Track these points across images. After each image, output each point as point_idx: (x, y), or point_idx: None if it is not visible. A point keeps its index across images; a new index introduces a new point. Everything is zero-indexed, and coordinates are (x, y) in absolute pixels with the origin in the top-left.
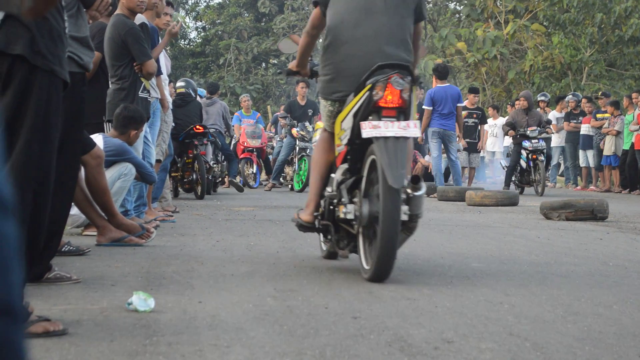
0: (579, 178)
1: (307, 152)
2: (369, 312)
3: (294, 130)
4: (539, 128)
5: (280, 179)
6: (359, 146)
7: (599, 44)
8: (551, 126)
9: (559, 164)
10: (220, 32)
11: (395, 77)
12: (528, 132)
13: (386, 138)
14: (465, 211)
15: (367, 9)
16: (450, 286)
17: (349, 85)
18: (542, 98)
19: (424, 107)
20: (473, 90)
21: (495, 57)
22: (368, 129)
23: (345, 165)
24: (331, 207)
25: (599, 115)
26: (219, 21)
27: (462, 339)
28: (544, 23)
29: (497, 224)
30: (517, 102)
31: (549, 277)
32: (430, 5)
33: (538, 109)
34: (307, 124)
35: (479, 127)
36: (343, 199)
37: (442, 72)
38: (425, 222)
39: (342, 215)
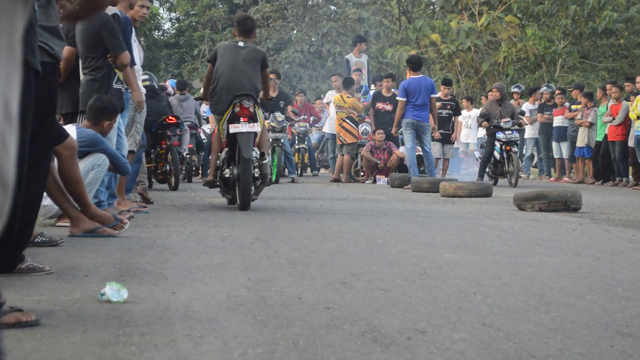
0: (552, 169)
1: (281, 142)
2: (342, 303)
3: (266, 122)
4: (512, 120)
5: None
6: (231, 137)
7: (573, 35)
8: (524, 118)
9: (532, 156)
10: (194, 23)
11: (244, 100)
12: (501, 123)
13: (242, 132)
14: (439, 202)
15: (234, 64)
16: (424, 277)
17: (224, 105)
18: (516, 90)
19: (397, 98)
20: (446, 82)
21: (469, 48)
22: (233, 128)
23: (227, 149)
24: (221, 171)
25: (573, 107)
26: (193, 12)
27: (435, 329)
28: (518, 15)
29: (471, 215)
30: (490, 94)
31: (522, 267)
32: None
33: (512, 101)
34: (277, 114)
35: (453, 118)
36: (225, 167)
37: (415, 64)
38: (399, 214)
39: (225, 175)
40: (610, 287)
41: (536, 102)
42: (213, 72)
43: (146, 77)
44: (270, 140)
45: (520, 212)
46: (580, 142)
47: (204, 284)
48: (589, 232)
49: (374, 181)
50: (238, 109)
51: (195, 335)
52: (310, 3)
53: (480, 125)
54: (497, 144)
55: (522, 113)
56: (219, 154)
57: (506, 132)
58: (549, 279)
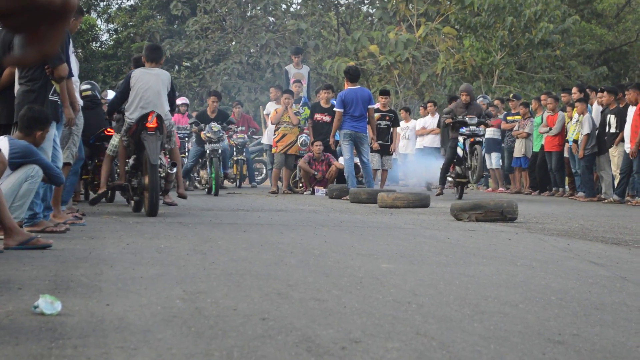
0: (489, 180)
1: (218, 153)
2: (278, 313)
3: (202, 134)
4: (478, 118)
5: (196, 183)
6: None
7: (510, 47)
8: (490, 121)
9: None
10: (132, 35)
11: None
12: (467, 119)
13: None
14: (377, 213)
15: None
16: (360, 287)
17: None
18: None
19: (335, 109)
20: (383, 92)
21: (407, 60)
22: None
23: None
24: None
25: (509, 118)
26: (131, 23)
27: (370, 339)
28: (456, 26)
29: (408, 225)
30: (462, 96)
31: (458, 277)
32: (343, 8)
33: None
34: (213, 124)
35: (392, 129)
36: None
37: (353, 75)
38: (337, 224)
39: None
40: (544, 295)
41: None
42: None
43: (88, 86)
44: (208, 151)
45: (457, 222)
46: (517, 152)
47: (139, 296)
48: (525, 241)
49: (313, 192)
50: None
51: (129, 347)
52: (248, 14)
53: (444, 123)
54: (461, 139)
55: (489, 115)
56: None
57: (471, 127)
58: (483, 288)
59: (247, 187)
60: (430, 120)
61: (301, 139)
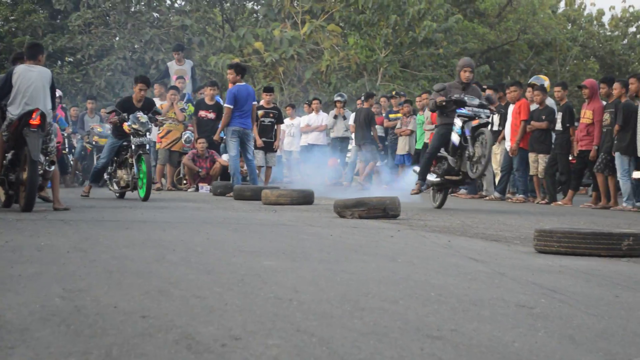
0: (374, 177)
1: (147, 149)
2: (158, 311)
3: (125, 125)
4: (480, 100)
5: (113, 184)
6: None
7: (394, 45)
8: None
9: (355, 163)
10: (14, 29)
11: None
12: (466, 98)
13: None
14: (260, 210)
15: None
16: (241, 284)
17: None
18: (339, 98)
19: (225, 105)
20: (268, 89)
21: (292, 57)
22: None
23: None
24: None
25: (391, 116)
26: (12, 17)
27: (250, 336)
28: (340, 24)
29: (291, 222)
30: (462, 73)
31: (339, 274)
32: (228, 4)
33: (334, 109)
34: (139, 114)
35: (276, 126)
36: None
37: (242, 70)
38: (220, 221)
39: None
40: (423, 291)
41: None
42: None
43: None
44: (134, 146)
45: (340, 219)
46: (401, 149)
47: (16, 294)
48: (406, 238)
49: (197, 189)
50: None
51: (6, 346)
52: (132, 10)
53: (434, 104)
54: (459, 122)
55: (490, 99)
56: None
57: (471, 107)
58: (364, 285)
59: None
60: (315, 118)
61: (185, 136)
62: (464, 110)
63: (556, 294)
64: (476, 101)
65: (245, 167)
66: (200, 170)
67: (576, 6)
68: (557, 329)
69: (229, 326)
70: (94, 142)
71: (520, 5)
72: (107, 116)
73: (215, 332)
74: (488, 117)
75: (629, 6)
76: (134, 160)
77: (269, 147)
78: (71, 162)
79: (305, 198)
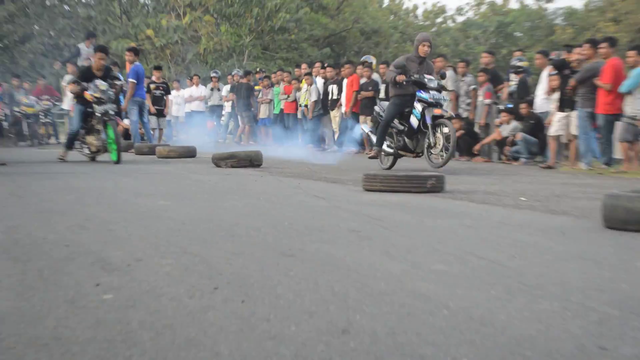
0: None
1: (112, 115)
2: (78, 241)
3: (87, 94)
4: (436, 80)
5: (84, 148)
6: None
7: (256, 32)
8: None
9: (227, 125)
10: None
11: None
12: (425, 79)
13: None
14: (156, 162)
15: None
16: (142, 219)
17: None
18: (214, 74)
19: (129, 80)
20: (157, 68)
21: (177, 42)
22: None
23: None
24: None
25: (257, 87)
26: None
27: (149, 258)
28: (214, 15)
29: (179, 171)
30: (420, 48)
31: (216, 210)
32: None
33: (210, 83)
34: (98, 82)
35: (165, 97)
36: None
37: (136, 53)
38: (125, 172)
39: None
40: (280, 222)
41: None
42: None
43: None
44: (99, 114)
45: (217, 168)
46: (263, 114)
47: None
48: (267, 182)
49: None
50: None
51: None
52: (48, 3)
53: (393, 79)
54: (419, 107)
55: (443, 76)
56: None
57: (431, 92)
58: (235, 217)
59: (54, 145)
60: (196, 90)
61: None
62: (424, 96)
63: (378, 221)
64: (434, 83)
65: (142, 129)
66: None
67: (397, 1)
68: (378, 246)
69: (132, 251)
70: (22, 111)
71: (354, 0)
72: (66, 86)
73: (123, 256)
74: (445, 100)
75: (437, 1)
76: (101, 126)
77: (160, 114)
78: (5, 127)
79: (189, 153)
